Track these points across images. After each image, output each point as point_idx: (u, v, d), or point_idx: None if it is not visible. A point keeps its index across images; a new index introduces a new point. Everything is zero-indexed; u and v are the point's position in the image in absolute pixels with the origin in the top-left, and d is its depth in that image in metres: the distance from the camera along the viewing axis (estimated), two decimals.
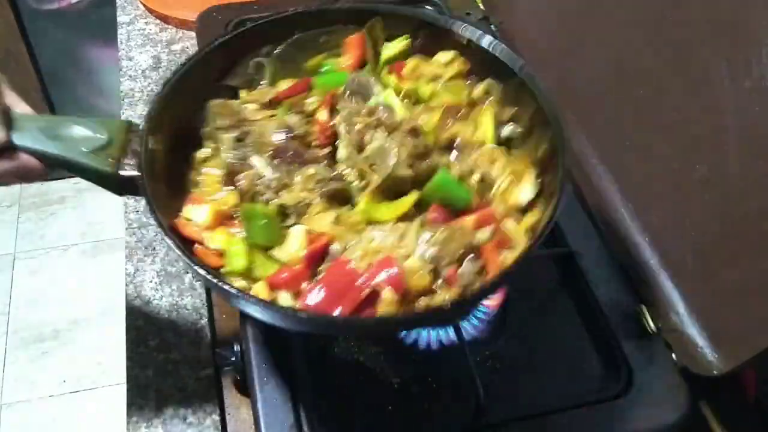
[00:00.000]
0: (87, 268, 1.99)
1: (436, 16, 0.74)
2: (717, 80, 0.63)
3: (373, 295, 0.53)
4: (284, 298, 0.55)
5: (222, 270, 0.58)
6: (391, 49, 0.74)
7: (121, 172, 0.59)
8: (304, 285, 0.55)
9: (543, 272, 0.76)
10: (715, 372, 0.64)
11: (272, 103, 0.70)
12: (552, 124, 0.61)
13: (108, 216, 2.07)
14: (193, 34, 1.05)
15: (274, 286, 0.56)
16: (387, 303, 0.53)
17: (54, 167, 0.60)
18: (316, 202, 0.60)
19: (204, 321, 0.76)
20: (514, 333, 0.70)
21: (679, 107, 0.69)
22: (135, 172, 0.58)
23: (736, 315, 0.64)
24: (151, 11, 1.13)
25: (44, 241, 2.05)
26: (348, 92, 0.68)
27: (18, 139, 0.57)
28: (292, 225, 0.60)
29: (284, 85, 0.72)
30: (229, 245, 0.58)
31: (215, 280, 0.52)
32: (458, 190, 0.60)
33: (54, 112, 2.00)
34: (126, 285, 0.79)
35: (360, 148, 0.63)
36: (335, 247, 0.57)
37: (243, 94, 0.72)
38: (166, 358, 0.72)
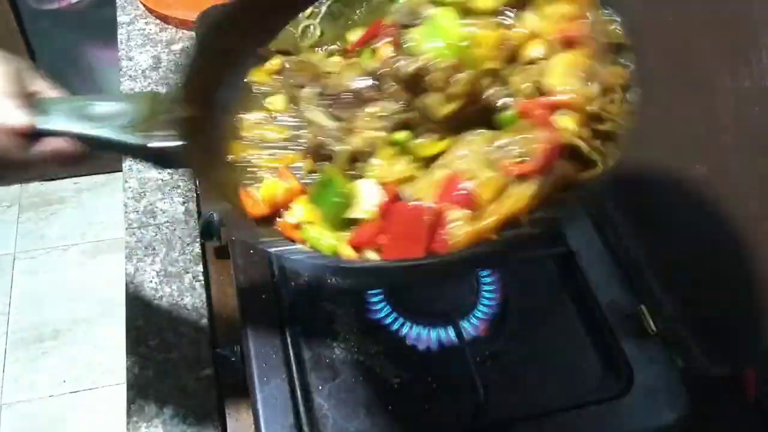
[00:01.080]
0: (87, 268, 1.99)
1: None
2: (717, 80, 0.63)
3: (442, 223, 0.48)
4: (372, 257, 0.50)
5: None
6: None
7: (153, 144, 0.55)
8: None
9: (543, 272, 0.76)
10: (715, 372, 0.64)
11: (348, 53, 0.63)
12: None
13: (108, 216, 2.07)
14: (193, 34, 1.05)
15: (359, 246, 0.51)
16: (457, 221, 0.47)
17: (91, 148, 0.56)
18: (384, 137, 0.54)
19: (204, 321, 0.76)
20: (514, 333, 0.70)
21: (679, 107, 0.69)
22: (167, 143, 0.55)
23: (736, 315, 0.64)
24: (151, 11, 1.13)
25: (44, 241, 2.05)
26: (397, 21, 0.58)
27: (43, 123, 0.53)
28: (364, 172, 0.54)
29: (353, 36, 0.65)
30: (310, 225, 0.53)
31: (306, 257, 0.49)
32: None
33: None
34: (126, 285, 0.79)
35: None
36: (407, 190, 0.52)
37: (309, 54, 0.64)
38: (166, 358, 0.72)
